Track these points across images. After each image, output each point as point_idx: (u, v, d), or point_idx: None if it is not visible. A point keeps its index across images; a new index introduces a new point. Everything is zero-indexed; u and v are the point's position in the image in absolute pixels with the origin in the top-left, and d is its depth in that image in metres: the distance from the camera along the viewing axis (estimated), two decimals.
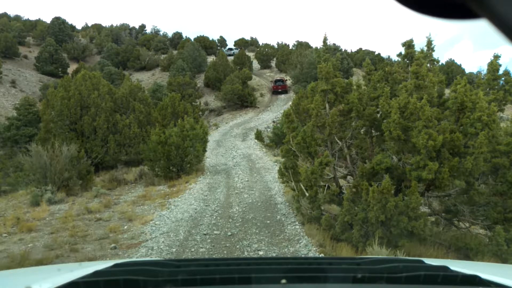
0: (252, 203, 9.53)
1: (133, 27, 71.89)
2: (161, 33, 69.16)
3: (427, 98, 5.99)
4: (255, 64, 47.96)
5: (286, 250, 6.44)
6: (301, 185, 7.43)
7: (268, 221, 8.06)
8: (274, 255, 6.14)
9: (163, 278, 1.13)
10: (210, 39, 60.53)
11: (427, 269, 1.28)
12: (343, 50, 44.91)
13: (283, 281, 1.09)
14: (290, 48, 51.11)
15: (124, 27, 70.57)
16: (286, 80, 38.44)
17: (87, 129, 15.92)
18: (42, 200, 10.42)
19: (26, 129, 23.49)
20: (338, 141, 7.48)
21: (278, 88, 37.44)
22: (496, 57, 7.01)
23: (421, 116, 5.82)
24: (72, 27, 64.77)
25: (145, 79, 46.06)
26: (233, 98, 33.41)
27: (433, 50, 6.95)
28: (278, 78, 39.51)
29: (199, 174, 13.44)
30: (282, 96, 36.13)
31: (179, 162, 13.38)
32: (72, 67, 43.88)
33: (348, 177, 8.49)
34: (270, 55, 49.43)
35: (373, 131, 7.21)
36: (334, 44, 44.14)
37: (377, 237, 5.73)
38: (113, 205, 10.24)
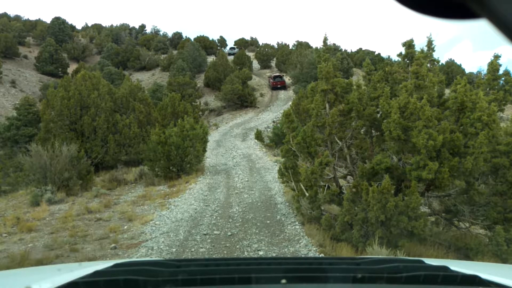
0: (252, 203, 9.53)
1: (133, 27, 71.90)
2: (161, 33, 69.21)
3: (427, 98, 5.99)
4: (255, 64, 48.04)
5: (286, 250, 6.43)
6: (301, 185, 7.43)
7: (268, 221, 8.06)
8: (274, 255, 6.14)
9: (163, 278, 1.12)
10: (210, 39, 60.62)
11: (427, 269, 1.28)
12: (343, 50, 44.93)
13: (283, 281, 1.09)
14: (290, 48, 51.11)
15: (124, 27, 70.54)
16: (283, 75, 38.64)
17: (87, 129, 15.91)
18: (42, 200, 10.42)
19: (26, 129, 23.43)
20: (338, 141, 7.48)
21: (277, 84, 37.57)
22: (496, 57, 7.01)
23: (421, 116, 5.82)
24: (72, 27, 64.73)
25: (145, 79, 46.04)
26: (233, 98, 33.41)
27: (433, 50, 6.94)
28: (276, 74, 39.68)
29: (199, 174, 13.45)
30: (282, 96, 36.15)
31: (179, 162, 13.38)
32: (72, 67, 43.86)
33: (348, 177, 8.49)
34: (270, 55, 49.49)
35: (373, 131, 7.21)
36: (334, 44, 44.25)
37: (377, 237, 5.73)
38: (113, 205, 10.24)
